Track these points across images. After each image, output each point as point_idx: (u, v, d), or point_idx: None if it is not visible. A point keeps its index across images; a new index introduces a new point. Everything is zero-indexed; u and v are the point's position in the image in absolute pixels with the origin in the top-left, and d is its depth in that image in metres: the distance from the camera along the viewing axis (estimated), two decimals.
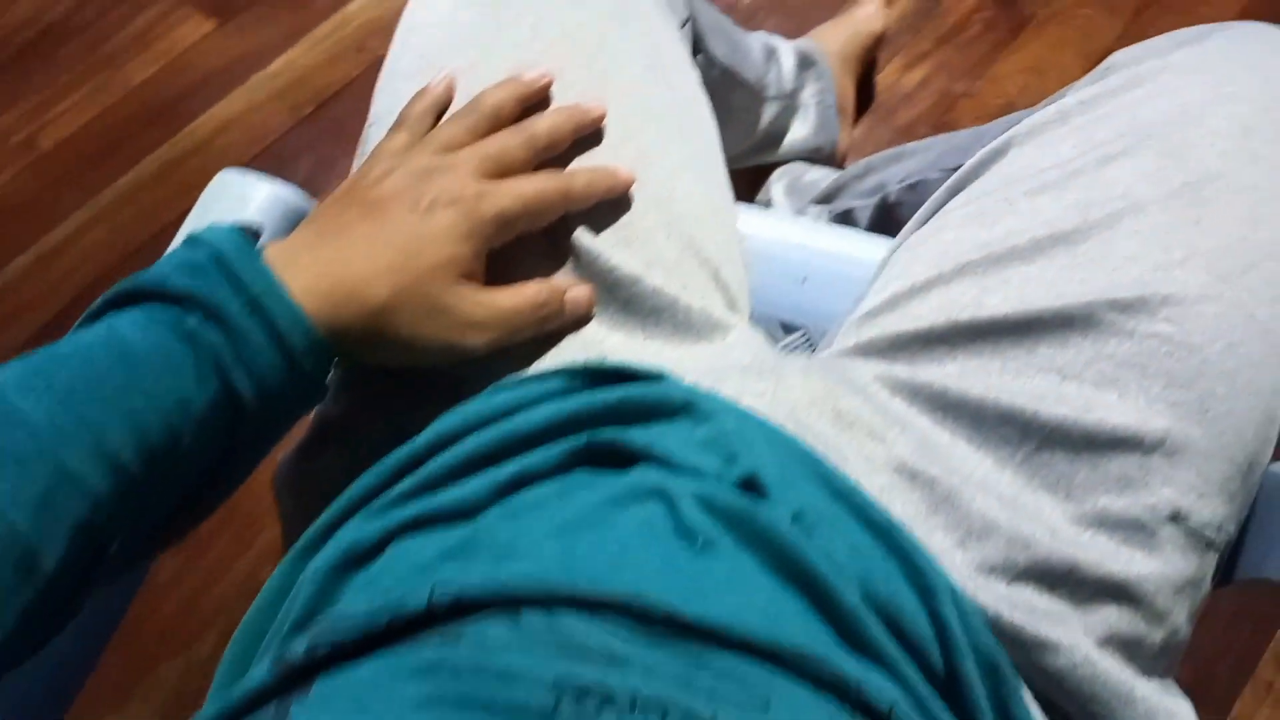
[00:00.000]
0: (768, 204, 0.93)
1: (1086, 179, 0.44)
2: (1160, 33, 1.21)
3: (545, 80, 0.44)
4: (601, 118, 0.45)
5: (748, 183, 0.96)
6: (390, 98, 0.47)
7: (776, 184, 0.93)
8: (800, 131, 0.93)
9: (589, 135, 0.44)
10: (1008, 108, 1.06)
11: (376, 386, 0.45)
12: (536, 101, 0.44)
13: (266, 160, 1.05)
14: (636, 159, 0.45)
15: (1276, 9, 1.10)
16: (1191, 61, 0.47)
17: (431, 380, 0.42)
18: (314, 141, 1.06)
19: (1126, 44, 1.19)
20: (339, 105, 1.08)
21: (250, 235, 0.38)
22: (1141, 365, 0.40)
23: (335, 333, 0.37)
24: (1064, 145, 0.47)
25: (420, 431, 0.39)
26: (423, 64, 0.46)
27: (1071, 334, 0.41)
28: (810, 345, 0.56)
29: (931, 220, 0.50)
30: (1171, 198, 0.42)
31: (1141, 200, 0.42)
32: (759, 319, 0.57)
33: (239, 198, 0.46)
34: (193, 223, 0.46)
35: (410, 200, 0.39)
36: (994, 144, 0.51)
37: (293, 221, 0.48)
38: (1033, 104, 1.10)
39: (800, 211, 0.83)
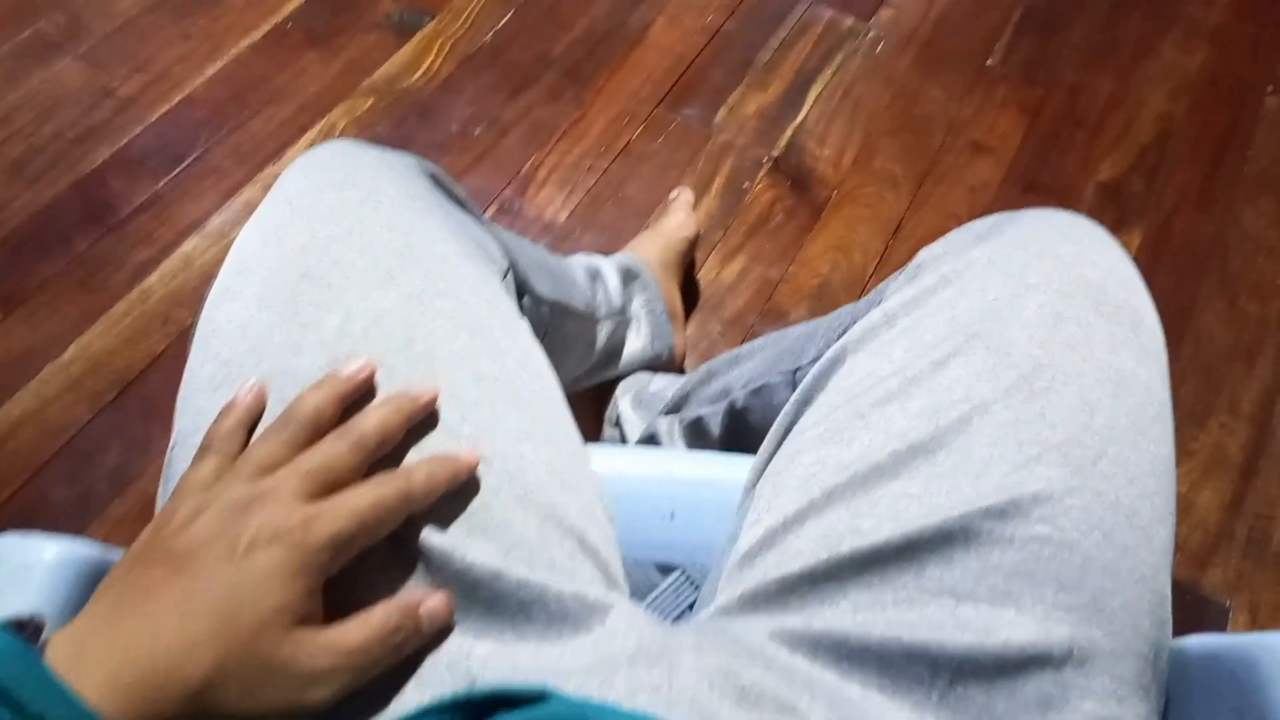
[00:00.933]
0: (616, 419, 0.91)
1: (927, 384, 0.45)
2: (941, 199, 1.31)
3: (366, 371, 0.41)
4: (433, 401, 0.42)
5: (594, 400, 0.95)
6: (193, 415, 0.42)
7: (623, 398, 0.92)
8: (636, 343, 0.93)
9: (423, 421, 0.41)
10: (823, 286, 1.11)
11: None
12: (359, 397, 0.41)
13: (67, 457, 0.96)
14: (477, 436, 0.42)
15: (1034, 171, 1.23)
16: (990, 256, 0.49)
17: None
18: (120, 428, 0.97)
19: (914, 214, 1.28)
20: (147, 383, 1.00)
21: (30, 630, 0.32)
22: (1029, 573, 0.39)
23: None
24: (896, 350, 0.48)
25: None
26: (226, 373, 0.42)
27: (954, 551, 0.40)
28: (692, 584, 0.53)
29: (787, 441, 0.50)
30: (1010, 394, 0.43)
31: (984, 400, 0.43)
32: (631, 564, 0.54)
33: (17, 571, 0.39)
34: None
35: (225, 545, 0.34)
36: (830, 354, 0.52)
37: (91, 582, 0.41)
38: (844, 280, 1.16)
39: (650, 424, 0.82)
